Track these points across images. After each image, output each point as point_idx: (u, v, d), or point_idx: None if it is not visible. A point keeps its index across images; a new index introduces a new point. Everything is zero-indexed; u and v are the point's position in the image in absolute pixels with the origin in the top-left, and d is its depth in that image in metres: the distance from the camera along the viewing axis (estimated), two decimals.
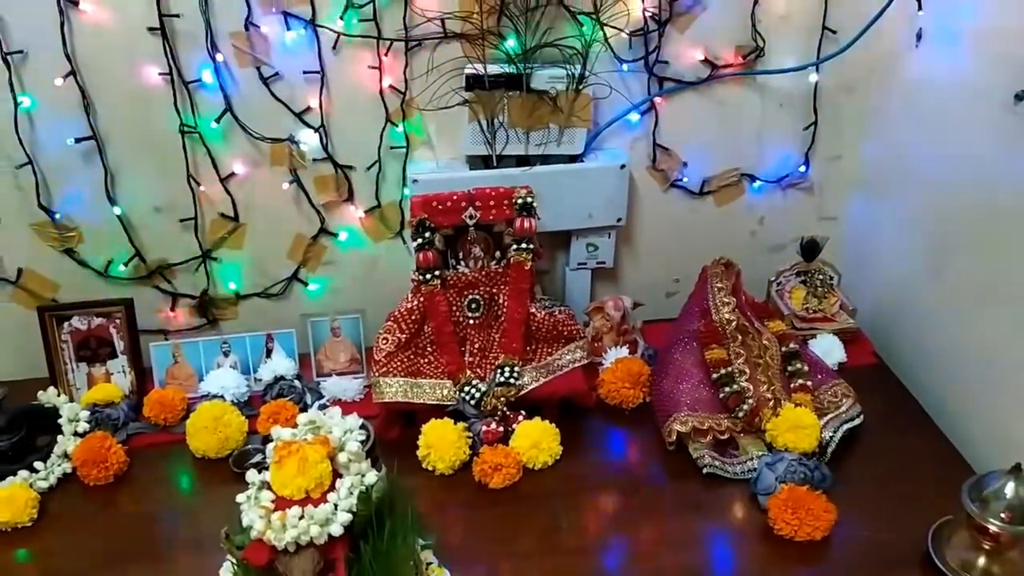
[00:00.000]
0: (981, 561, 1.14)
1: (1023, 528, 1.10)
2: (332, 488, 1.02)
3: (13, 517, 1.23)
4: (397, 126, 1.46)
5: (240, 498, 1.03)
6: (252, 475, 1.04)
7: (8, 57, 1.31)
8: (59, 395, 1.41)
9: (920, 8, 1.39)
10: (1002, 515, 1.10)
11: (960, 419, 1.38)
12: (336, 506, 1.00)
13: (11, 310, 1.51)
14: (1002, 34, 1.25)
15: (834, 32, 1.47)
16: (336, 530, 0.99)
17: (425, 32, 1.39)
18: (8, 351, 1.52)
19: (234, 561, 1.04)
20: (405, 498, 1.10)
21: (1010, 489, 1.10)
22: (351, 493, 1.01)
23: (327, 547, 1.00)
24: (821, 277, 1.59)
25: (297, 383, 1.46)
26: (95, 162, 1.41)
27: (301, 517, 0.98)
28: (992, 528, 1.11)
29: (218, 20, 1.34)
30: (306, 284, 1.58)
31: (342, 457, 1.04)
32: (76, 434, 1.35)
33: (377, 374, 1.38)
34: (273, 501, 1.00)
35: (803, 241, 1.58)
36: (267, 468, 1.04)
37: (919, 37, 1.42)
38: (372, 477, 1.05)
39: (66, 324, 1.43)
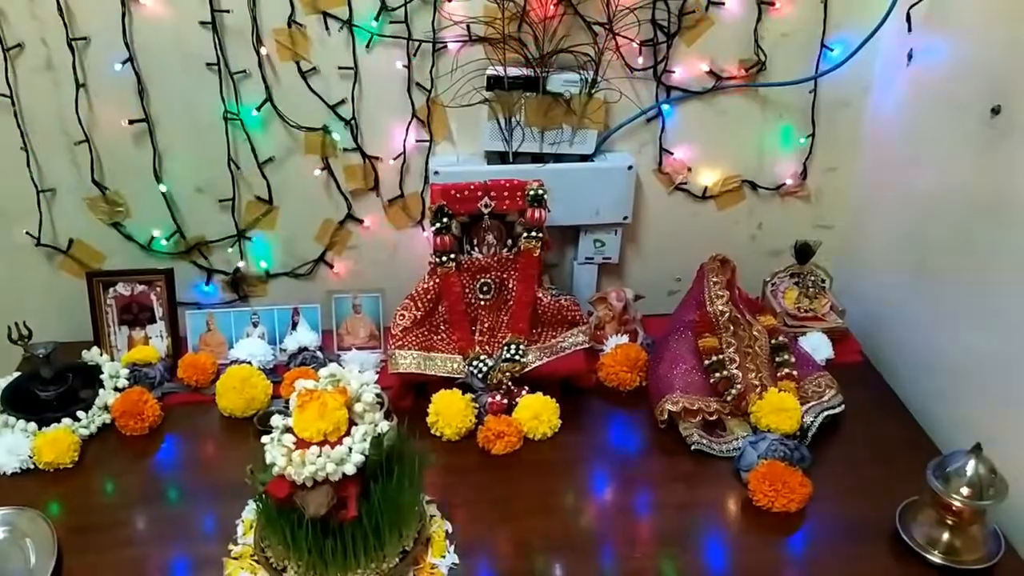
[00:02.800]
0: (945, 536, 1.22)
1: (983, 503, 1.18)
2: (348, 434, 1.13)
3: (57, 458, 1.35)
4: (422, 121, 1.58)
5: (265, 439, 1.14)
6: (276, 420, 1.15)
7: (73, 43, 1.44)
8: (101, 354, 1.54)
9: (910, 30, 1.49)
10: (963, 491, 1.19)
11: (934, 411, 1.47)
12: (351, 449, 1.11)
13: (60, 278, 1.64)
14: (980, 53, 1.36)
15: (832, 50, 1.57)
16: (350, 469, 1.10)
17: (451, 35, 1.51)
18: (55, 315, 1.63)
19: (257, 495, 1.15)
20: (413, 451, 1.21)
21: (971, 467, 1.19)
22: (365, 439, 1.12)
23: (341, 485, 1.10)
24: (813, 279, 1.69)
25: (319, 354, 1.57)
26: (145, 143, 1.54)
27: (319, 455, 1.09)
28: (955, 504, 1.19)
29: (263, 17, 1.46)
30: (331, 266, 1.70)
31: (358, 407, 1.15)
32: (116, 389, 1.48)
33: (394, 347, 1.49)
34: (294, 442, 1.12)
35: (797, 244, 1.68)
36: (290, 415, 1.15)
37: (910, 57, 1.52)
38: (384, 426, 1.16)
39: (111, 289, 1.56)
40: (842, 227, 1.77)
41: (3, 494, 1.31)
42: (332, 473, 1.09)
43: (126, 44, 1.45)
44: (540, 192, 1.49)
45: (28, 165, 1.53)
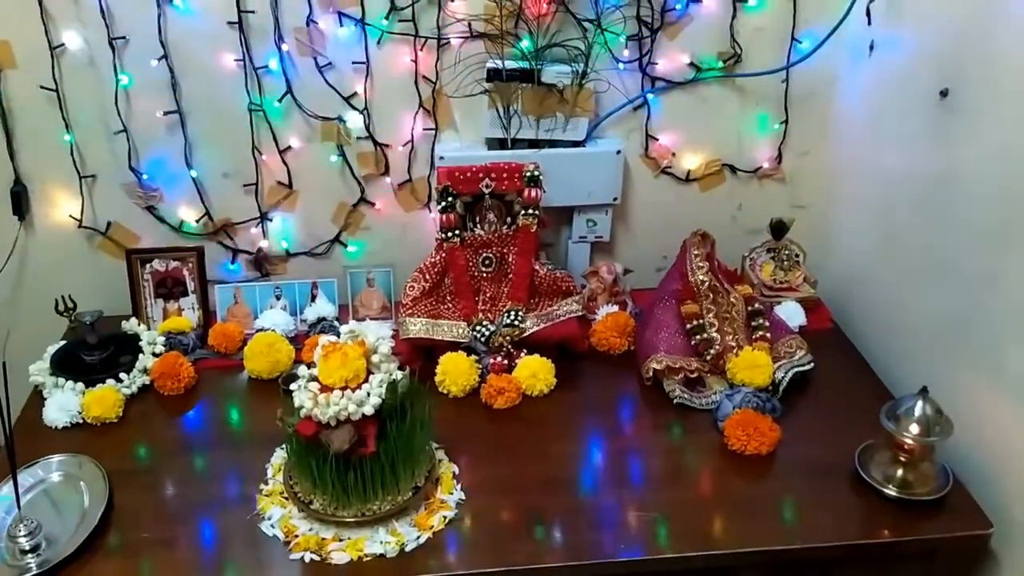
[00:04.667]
0: (899, 472, 1.36)
1: (931, 439, 1.33)
2: (366, 381, 1.28)
3: (104, 413, 1.50)
4: (428, 111, 1.73)
5: (292, 386, 1.29)
6: (303, 370, 1.30)
7: (113, 42, 1.60)
8: (139, 324, 1.69)
9: (870, 23, 1.64)
10: (912, 429, 1.33)
11: (896, 368, 1.62)
12: (369, 393, 1.26)
13: (99, 257, 1.79)
14: (931, 42, 1.50)
15: (801, 42, 1.72)
16: (368, 410, 1.25)
17: (454, 31, 1.66)
18: (94, 291, 1.77)
19: (287, 437, 1.30)
20: (423, 398, 1.36)
21: (919, 408, 1.33)
22: (381, 384, 1.27)
23: (361, 424, 1.26)
24: (788, 253, 1.83)
25: (337, 323, 1.72)
26: (177, 132, 1.69)
27: (342, 397, 1.24)
28: (906, 442, 1.34)
29: (284, 16, 1.61)
30: (345, 245, 1.85)
31: (375, 358, 1.30)
32: (154, 354, 1.63)
33: (405, 315, 1.64)
34: (319, 388, 1.27)
35: (773, 221, 1.82)
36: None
37: (871, 48, 1.67)
38: (399, 375, 1.31)
39: (148, 265, 1.72)
40: (815, 206, 1.91)
41: (56, 445, 1.46)
42: (353, 413, 1.24)
43: (161, 43, 1.61)
44: (536, 173, 1.64)
45: (71, 153, 1.68)
